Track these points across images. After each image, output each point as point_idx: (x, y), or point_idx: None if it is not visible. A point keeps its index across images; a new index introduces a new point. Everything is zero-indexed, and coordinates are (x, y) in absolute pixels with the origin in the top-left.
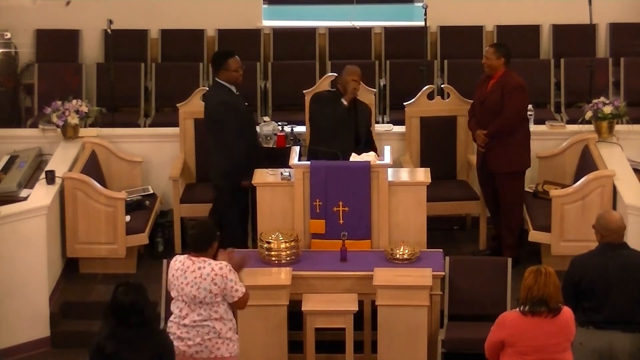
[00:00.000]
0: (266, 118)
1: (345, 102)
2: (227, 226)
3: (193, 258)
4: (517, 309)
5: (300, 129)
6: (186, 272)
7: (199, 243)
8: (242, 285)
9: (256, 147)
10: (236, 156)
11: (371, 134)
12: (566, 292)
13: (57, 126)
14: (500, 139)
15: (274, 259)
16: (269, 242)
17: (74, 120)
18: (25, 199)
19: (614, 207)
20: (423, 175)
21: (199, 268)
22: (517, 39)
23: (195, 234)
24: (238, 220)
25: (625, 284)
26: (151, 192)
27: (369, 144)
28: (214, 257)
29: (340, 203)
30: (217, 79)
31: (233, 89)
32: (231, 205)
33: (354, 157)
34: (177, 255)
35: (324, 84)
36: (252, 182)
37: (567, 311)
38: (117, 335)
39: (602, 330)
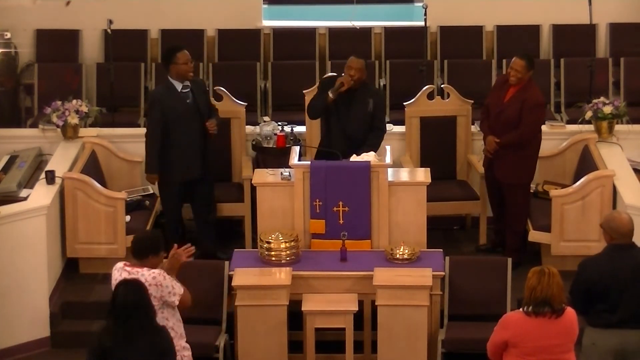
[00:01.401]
0: (266, 118)
1: (330, 95)
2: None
3: (128, 268)
4: (521, 309)
5: (300, 128)
6: None
7: (137, 251)
8: (179, 287)
9: (183, 146)
10: (148, 148)
11: (379, 121)
12: (575, 295)
13: (57, 126)
14: (511, 150)
15: (274, 259)
16: (269, 242)
17: (74, 120)
18: (25, 199)
19: (614, 207)
20: (423, 175)
21: None
22: (517, 39)
23: (134, 241)
24: (169, 212)
25: (638, 284)
26: (151, 192)
27: (374, 131)
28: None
29: (340, 203)
30: (168, 77)
31: (179, 85)
32: (162, 196)
33: (354, 157)
34: (117, 263)
35: None
36: (252, 182)
37: (570, 312)
38: (117, 333)
39: (617, 329)
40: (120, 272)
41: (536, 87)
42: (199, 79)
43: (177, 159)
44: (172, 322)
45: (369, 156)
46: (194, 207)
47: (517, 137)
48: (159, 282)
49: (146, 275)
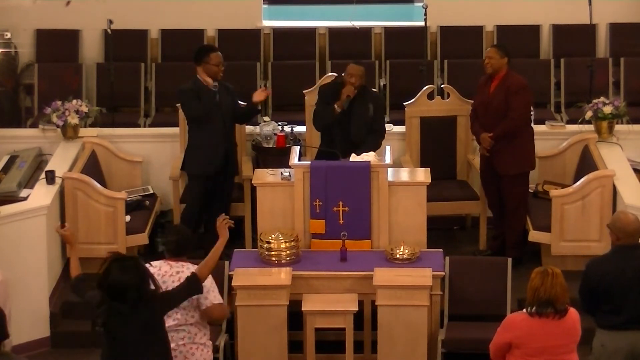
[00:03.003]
0: (266, 118)
1: (337, 108)
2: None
3: (171, 263)
4: (524, 310)
5: (300, 129)
6: (164, 277)
7: (178, 249)
8: (217, 297)
9: (205, 144)
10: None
11: (378, 124)
12: (583, 295)
13: (57, 126)
14: (506, 141)
15: (274, 259)
16: (269, 242)
17: (74, 120)
18: (25, 199)
19: (614, 207)
20: (423, 175)
21: (177, 272)
22: (517, 39)
23: (174, 240)
24: (189, 207)
25: None
26: (151, 192)
27: (373, 133)
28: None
29: (340, 203)
30: (197, 75)
31: (208, 84)
32: (187, 190)
33: (354, 157)
34: (152, 262)
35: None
36: (252, 182)
37: (573, 312)
38: (109, 308)
39: (624, 331)
40: (160, 267)
41: (517, 74)
42: (227, 83)
43: (199, 154)
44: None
45: (369, 156)
46: (209, 206)
47: (509, 124)
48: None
49: (192, 269)
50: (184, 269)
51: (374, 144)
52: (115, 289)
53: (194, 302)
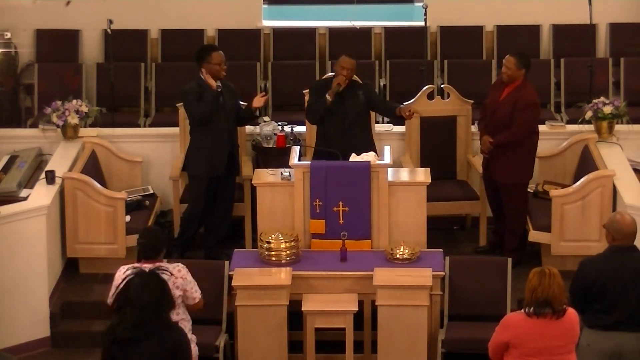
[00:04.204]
0: (266, 118)
1: (328, 97)
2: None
3: (147, 265)
4: (522, 310)
5: (300, 129)
6: None
7: (151, 251)
8: (198, 289)
9: (210, 144)
10: (207, 106)
11: (382, 100)
12: (575, 294)
13: (57, 126)
14: (505, 149)
15: (274, 259)
16: (269, 242)
17: (74, 120)
18: (25, 199)
19: (614, 207)
20: (423, 175)
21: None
22: (517, 39)
23: (145, 242)
24: (191, 207)
25: (637, 286)
26: (151, 192)
27: (389, 112)
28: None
29: (340, 203)
30: (200, 74)
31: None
32: (189, 190)
33: (354, 157)
34: (124, 266)
35: None
36: (252, 182)
37: (571, 312)
38: (134, 326)
39: (611, 331)
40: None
41: (531, 87)
42: (230, 83)
43: (204, 156)
44: (188, 315)
45: (368, 156)
46: (211, 206)
47: (509, 136)
48: (184, 275)
49: (170, 268)
50: (163, 270)
51: (392, 104)
52: (141, 303)
53: (179, 300)
